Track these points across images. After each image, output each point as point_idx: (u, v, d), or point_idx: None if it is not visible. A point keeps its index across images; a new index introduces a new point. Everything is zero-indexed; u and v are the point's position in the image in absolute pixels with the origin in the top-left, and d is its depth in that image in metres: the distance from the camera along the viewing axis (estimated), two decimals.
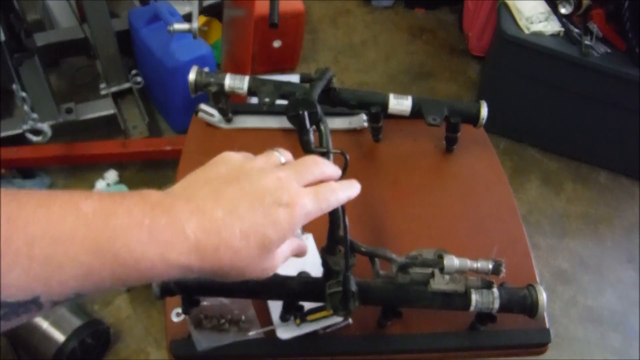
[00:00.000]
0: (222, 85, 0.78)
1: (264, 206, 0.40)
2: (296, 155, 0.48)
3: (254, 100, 0.79)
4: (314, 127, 0.67)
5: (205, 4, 2.01)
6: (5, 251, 0.31)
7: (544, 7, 1.93)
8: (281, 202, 0.41)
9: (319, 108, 0.67)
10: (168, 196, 0.39)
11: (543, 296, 0.61)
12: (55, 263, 0.33)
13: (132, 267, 0.35)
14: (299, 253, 0.48)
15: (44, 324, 1.36)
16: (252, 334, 0.65)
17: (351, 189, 0.49)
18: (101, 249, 0.34)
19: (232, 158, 0.45)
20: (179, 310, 0.67)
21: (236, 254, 0.39)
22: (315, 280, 0.59)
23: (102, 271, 0.34)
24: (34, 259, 0.32)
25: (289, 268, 0.61)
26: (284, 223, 0.41)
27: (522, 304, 0.61)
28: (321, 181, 0.46)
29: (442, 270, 0.58)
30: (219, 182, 0.42)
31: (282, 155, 0.47)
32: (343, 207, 0.51)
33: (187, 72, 0.78)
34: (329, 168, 0.48)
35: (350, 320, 0.66)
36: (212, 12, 2.07)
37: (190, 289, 0.61)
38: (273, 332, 0.65)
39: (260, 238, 0.40)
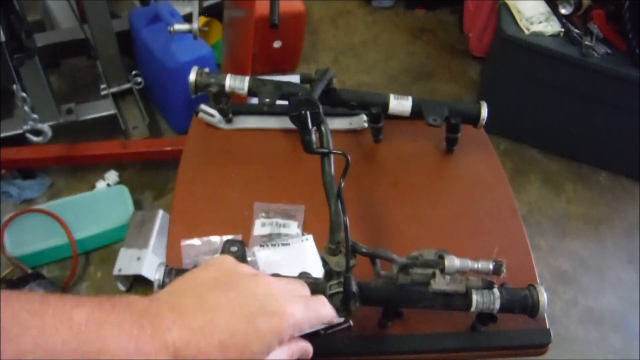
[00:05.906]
0: (222, 86, 0.78)
1: (247, 314, 0.38)
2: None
3: (255, 100, 0.79)
4: (314, 127, 0.67)
5: (206, 4, 2.01)
6: None
7: (544, 8, 1.93)
8: (267, 310, 0.39)
9: (321, 108, 0.67)
10: (154, 303, 0.38)
11: (544, 296, 0.61)
12: None
13: None
14: (303, 356, 0.46)
15: None
16: None
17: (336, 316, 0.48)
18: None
19: (225, 261, 0.43)
20: None
21: None
22: (316, 281, 0.59)
23: None
24: None
25: (289, 269, 0.61)
26: (267, 334, 0.38)
27: (523, 304, 0.61)
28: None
29: (442, 270, 0.58)
30: (205, 287, 0.40)
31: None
32: (344, 208, 0.51)
33: (188, 73, 0.78)
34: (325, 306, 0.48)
35: (351, 323, 0.66)
36: (212, 13, 2.07)
37: None
38: None
39: (240, 350, 0.37)
